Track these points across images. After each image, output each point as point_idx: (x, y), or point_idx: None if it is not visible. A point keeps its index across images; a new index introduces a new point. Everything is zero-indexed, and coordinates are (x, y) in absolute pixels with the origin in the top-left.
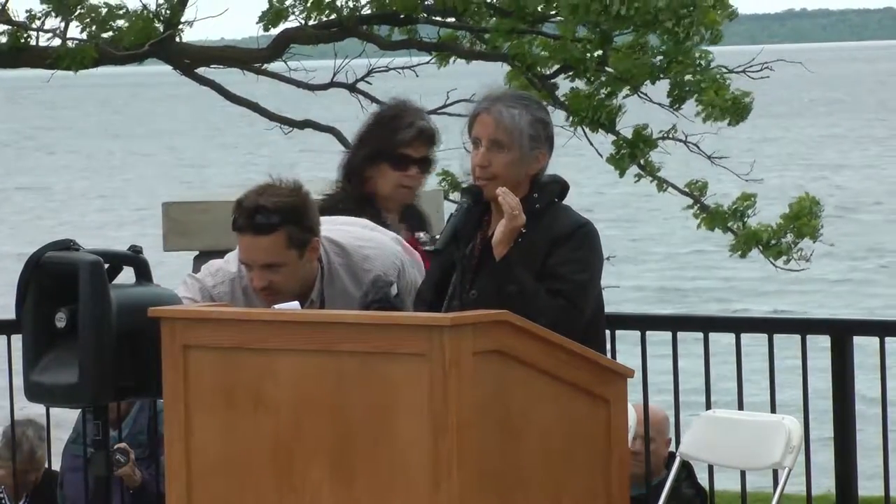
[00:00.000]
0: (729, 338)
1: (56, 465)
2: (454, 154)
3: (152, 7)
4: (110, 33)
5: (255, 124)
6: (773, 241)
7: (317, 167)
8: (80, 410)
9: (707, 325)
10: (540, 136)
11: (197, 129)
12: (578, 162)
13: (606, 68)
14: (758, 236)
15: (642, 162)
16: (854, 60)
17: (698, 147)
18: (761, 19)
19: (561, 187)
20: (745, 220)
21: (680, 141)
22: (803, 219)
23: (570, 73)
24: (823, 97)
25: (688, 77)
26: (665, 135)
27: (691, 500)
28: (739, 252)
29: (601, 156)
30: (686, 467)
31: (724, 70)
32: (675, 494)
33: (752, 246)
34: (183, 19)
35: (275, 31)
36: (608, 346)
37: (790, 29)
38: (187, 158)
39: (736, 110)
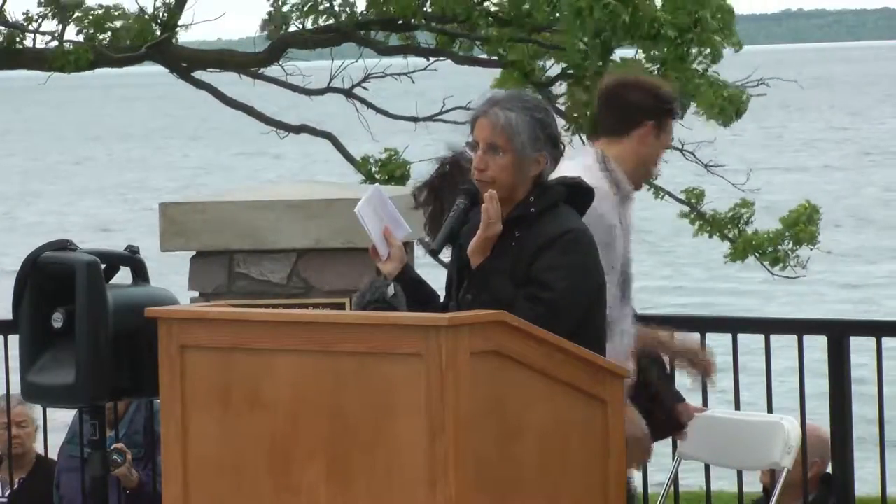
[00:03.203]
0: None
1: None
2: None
3: (149, 10)
4: (108, 35)
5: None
6: (770, 249)
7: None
8: (76, 411)
9: (704, 325)
10: (540, 138)
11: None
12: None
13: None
14: (756, 244)
15: None
16: (848, 61)
17: (694, 155)
18: (758, 20)
19: (569, 190)
20: (743, 227)
21: (676, 149)
22: (801, 225)
23: (569, 79)
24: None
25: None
26: None
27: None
28: (738, 260)
29: None
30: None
31: (719, 78)
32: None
33: (750, 253)
34: (180, 22)
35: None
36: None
37: (787, 29)
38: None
39: (735, 109)
